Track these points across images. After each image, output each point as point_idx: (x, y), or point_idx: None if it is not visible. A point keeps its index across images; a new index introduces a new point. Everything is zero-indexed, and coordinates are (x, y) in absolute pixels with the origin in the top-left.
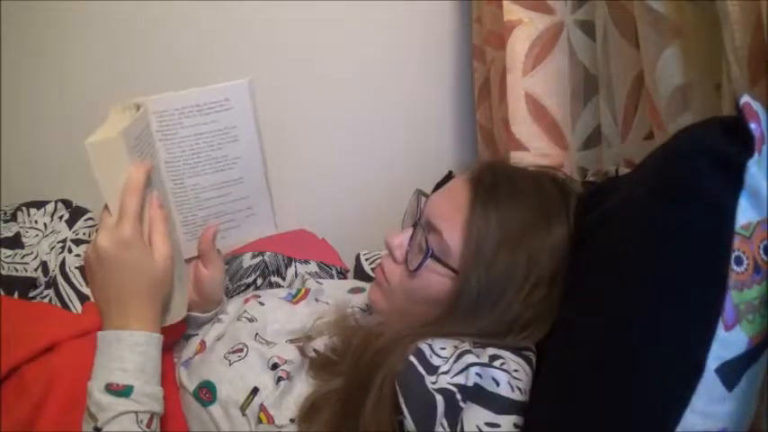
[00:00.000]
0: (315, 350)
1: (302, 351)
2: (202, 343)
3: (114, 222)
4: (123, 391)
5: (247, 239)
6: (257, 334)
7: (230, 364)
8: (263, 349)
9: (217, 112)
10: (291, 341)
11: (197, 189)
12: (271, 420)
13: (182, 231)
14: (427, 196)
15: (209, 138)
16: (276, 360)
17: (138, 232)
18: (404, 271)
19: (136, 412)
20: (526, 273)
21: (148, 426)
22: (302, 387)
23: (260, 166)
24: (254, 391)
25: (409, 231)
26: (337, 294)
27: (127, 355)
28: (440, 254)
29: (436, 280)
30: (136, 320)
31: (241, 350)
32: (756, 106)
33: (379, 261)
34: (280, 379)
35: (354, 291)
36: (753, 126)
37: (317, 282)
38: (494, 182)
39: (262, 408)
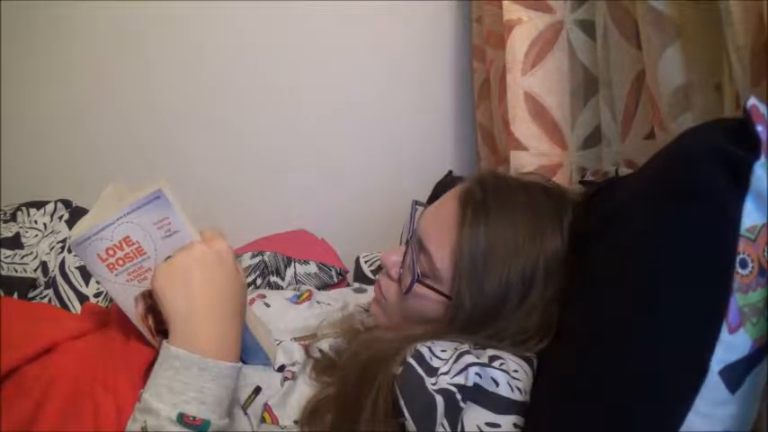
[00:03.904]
0: (320, 350)
1: (307, 351)
2: None
3: (200, 242)
4: (200, 427)
5: None
6: None
7: None
8: None
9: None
10: (297, 339)
11: None
12: (275, 420)
13: None
14: (424, 206)
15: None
16: (283, 361)
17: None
18: (399, 289)
19: None
20: (522, 291)
21: None
22: (305, 388)
23: None
24: (257, 390)
25: (404, 248)
26: (337, 296)
27: (209, 386)
28: (430, 276)
29: (429, 303)
30: (233, 341)
31: None
32: (764, 109)
33: (378, 264)
34: (285, 379)
35: (358, 291)
36: (760, 129)
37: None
38: (483, 200)
39: (266, 407)
